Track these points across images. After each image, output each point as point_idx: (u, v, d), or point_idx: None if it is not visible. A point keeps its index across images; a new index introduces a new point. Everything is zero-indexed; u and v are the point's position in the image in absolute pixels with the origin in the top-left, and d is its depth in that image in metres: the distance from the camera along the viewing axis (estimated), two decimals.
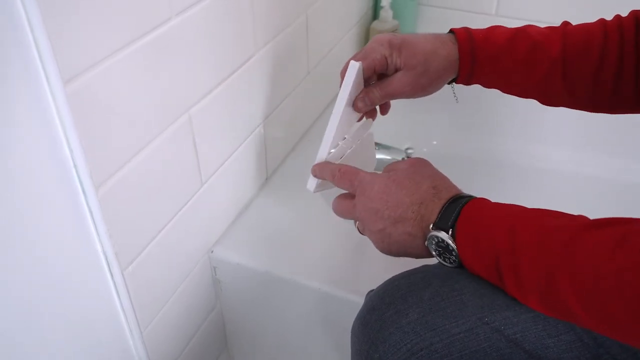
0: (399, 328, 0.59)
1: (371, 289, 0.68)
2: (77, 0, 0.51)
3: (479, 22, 0.80)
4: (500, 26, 0.74)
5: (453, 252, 0.58)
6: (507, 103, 1.32)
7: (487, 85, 0.76)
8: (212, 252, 0.89)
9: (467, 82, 0.75)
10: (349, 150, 0.74)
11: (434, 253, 0.60)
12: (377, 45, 0.71)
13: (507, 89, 0.76)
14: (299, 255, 0.88)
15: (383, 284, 0.66)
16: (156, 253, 0.74)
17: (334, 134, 0.69)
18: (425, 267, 0.64)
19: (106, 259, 0.65)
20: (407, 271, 0.65)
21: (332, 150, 0.71)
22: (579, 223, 0.52)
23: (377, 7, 1.32)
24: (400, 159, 1.07)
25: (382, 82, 0.72)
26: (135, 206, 0.68)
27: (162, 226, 0.74)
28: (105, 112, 0.59)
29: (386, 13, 1.29)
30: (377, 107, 0.77)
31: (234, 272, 0.89)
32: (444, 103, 1.38)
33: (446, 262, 0.60)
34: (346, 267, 0.86)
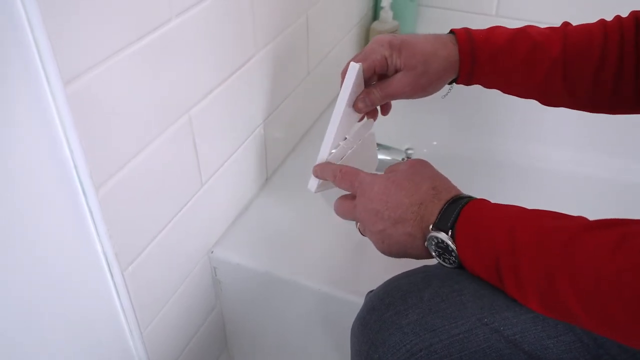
0: (399, 329, 0.59)
1: (371, 289, 0.68)
2: (77, 0, 0.51)
3: (479, 23, 0.80)
4: (501, 27, 0.74)
5: (453, 253, 0.58)
6: (507, 103, 1.32)
7: (488, 85, 0.76)
8: (212, 252, 0.89)
9: (468, 83, 0.75)
10: (350, 151, 0.74)
11: (433, 254, 0.60)
12: (377, 46, 0.71)
13: (508, 90, 0.76)
14: (299, 256, 0.88)
15: (383, 284, 0.66)
16: (156, 253, 0.74)
17: (335, 135, 0.69)
18: (425, 268, 0.64)
19: (106, 259, 0.65)
20: (406, 272, 0.65)
21: (333, 151, 0.71)
22: (579, 224, 0.52)
23: (377, 8, 1.32)
24: (400, 159, 1.07)
25: (383, 82, 0.72)
26: (135, 207, 0.68)
27: (163, 227, 0.74)
28: (106, 113, 0.59)
29: (386, 14, 1.29)
30: (378, 108, 0.77)
31: (234, 272, 0.90)
32: (444, 104, 1.38)
33: (446, 262, 0.60)
34: (346, 267, 0.86)
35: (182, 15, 0.66)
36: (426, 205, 0.60)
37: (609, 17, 0.71)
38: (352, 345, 0.66)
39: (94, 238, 0.63)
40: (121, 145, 0.63)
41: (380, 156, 1.08)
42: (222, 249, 0.89)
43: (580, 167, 1.32)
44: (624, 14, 0.70)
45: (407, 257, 0.64)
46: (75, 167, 0.57)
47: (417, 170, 0.64)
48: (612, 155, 1.31)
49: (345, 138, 0.73)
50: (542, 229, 0.53)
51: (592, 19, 0.72)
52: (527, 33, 0.71)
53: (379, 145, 1.08)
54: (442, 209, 0.59)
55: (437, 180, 0.63)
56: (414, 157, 1.10)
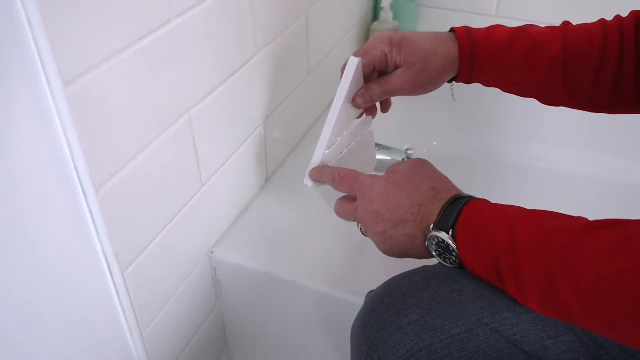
0: (399, 329, 0.59)
1: (371, 289, 0.68)
2: (77, 0, 0.51)
3: (479, 23, 0.80)
4: (501, 25, 0.74)
5: (453, 253, 0.58)
6: (507, 103, 1.32)
7: (488, 84, 0.76)
8: (212, 253, 0.89)
9: (468, 81, 0.75)
10: (348, 148, 0.73)
11: (434, 254, 0.60)
12: (377, 43, 0.71)
13: (508, 88, 0.76)
14: (299, 256, 0.88)
15: (383, 284, 0.66)
16: (156, 254, 0.74)
17: (333, 129, 0.69)
18: (425, 268, 0.64)
19: (106, 259, 0.65)
20: (407, 272, 0.65)
21: (329, 150, 0.70)
22: (579, 224, 0.52)
23: (377, 8, 1.32)
24: (400, 159, 1.07)
25: (382, 79, 0.72)
26: (135, 207, 0.68)
27: (163, 227, 0.74)
28: (106, 113, 0.59)
29: (386, 14, 1.29)
30: (378, 105, 0.77)
31: (234, 272, 0.90)
32: (444, 104, 1.38)
33: (446, 262, 0.60)
34: (346, 267, 0.86)
35: (182, 16, 0.66)
36: (426, 206, 0.60)
37: (609, 17, 0.71)
38: (352, 346, 0.66)
39: (94, 238, 0.63)
40: (121, 145, 0.63)
41: (380, 156, 1.08)
42: (223, 250, 0.89)
43: (580, 167, 1.32)
44: (624, 14, 0.70)
45: (408, 257, 0.64)
46: (76, 167, 0.57)
47: (416, 171, 0.64)
48: (612, 155, 1.31)
49: (344, 134, 0.72)
50: (542, 229, 0.53)
51: (592, 19, 0.72)
52: (527, 32, 0.71)
53: (378, 145, 1.08)
54: (442, 209, 0.59)
55: (437, 180, 0.63)
56: (414, 157, 1.10)
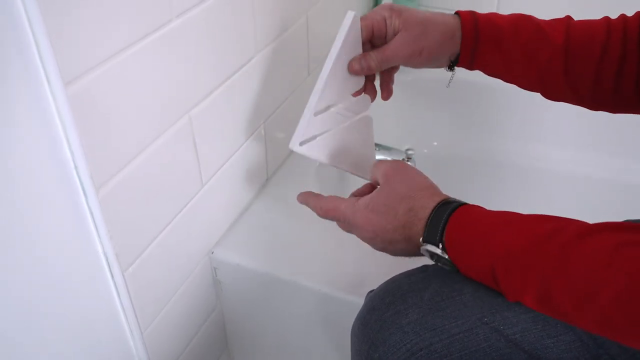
0: (399, 328, 0.59)
1: (371, 289, 0.68)
2: (78, 0, 0.51)
3: None
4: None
5: (448, 261, 0.59)
6: (507, 103, 1.33)
7: (489, 69, 0.74)
8: (212, 253, 0.89)
9: (470, 64, 0.73)
10: (343, 125, 0.72)
11: (432, 261, 0.61)
12: (378, 9, 0.70)
13: (509, 77, 0.74)
14: (299, 256, 0.88)
15: (383, 284, 0.66)
16: (157, 254, 0.74)
17: (323, 89, 0.67)
18: (425, 267, 0.65)
19: (107, 259, 0.65)
20: (407, 271, 0.66)
21: (323, 115, 0.69)
22: (572, 232, 0.52)
23: None
24: (400, 159, 1.06)
25: (380, 47, 0.71)
26: (135, 207, 0.68)
27: (163, 227, 0.74)
28: (106, 113, 0.59)
29: None
30: (378, 88, 0.75)
31: (234, 273, 0.90)
32: (444, 103, 1.39)
33: (445, 267, 0.60)
34: (346, 268, 0.86)
35: (182, 16, 0.66)
36: (410, 226, 0.60)
37: (612, 17, 0.71)
38: (352, 345, 0.66)
39: (95, 238, 0.63)
40: (122, 145, 0.63)
41: (381, 157, 1.08)
42: (223, 250, 0.89)
43: (580, 167, 1.32)
44: (628, 14, 0.70)
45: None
46: (76, 167, 0.57)
47: (391, 189, 0.63)
48: (612, 155, 1.31)
49: (339, 106, 0.70)
50: (533, 236, 0.53)
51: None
52: (531, 18, 0.71)
53: (378, 145, 1.08)
54: (425, 225, 0.59)
55: (412, 199, 0.61)
56: (414, 157, 1.10)
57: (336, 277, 0.85)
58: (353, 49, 0.69)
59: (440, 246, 0.58)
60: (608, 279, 0.47)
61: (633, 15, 0.69)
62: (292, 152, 1.10)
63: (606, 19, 0.70)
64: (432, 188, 0.62)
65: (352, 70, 0.70)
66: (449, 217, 0.58)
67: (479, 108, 1.35)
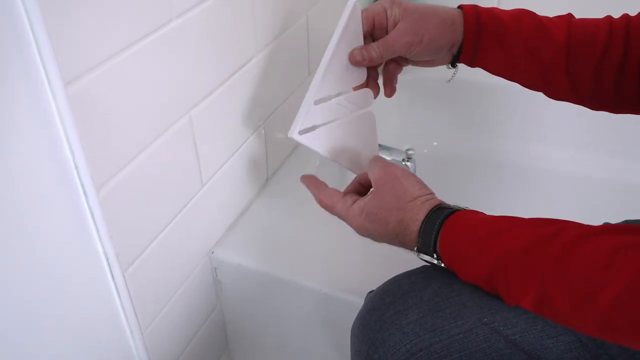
0: (399, 328, 0.59)
1: (371, 289, 0.68)
2: (78, 0, 0.51)
3: None
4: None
5: (445, 269, 0.60)
6: (507, 103, 1.33)
7: (492, 66, 0.73)
8: (212, 253, 0.89)
9: (471, 60, 0.73)
10: (345, 119, 0.72)
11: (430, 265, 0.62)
12: (379, 2, 0.70)
13: (512, 75, 0.74)
14: (299, 256, 0.88)
15: (383, 284, 0.66)
16: (157, 254, 0.74)
17: (323, 76, 0.67)
18: (425, 268, 0.65)
19: (107, 259, 0.65)
20: (407, 272, 0.66)
21: (324, 105, 0.69)
22: (571, 234, 0.52)
23: None
24: (400, 159, 1.06)
25: (382, 38, 0.71)
26: (136, 207, 0.68)
27: (163, 227, 0.75)
28: (106, 113, 0.59)
29: None
30: (380, 84, 0.75)
31: (234, 273, 0.90)
32: (444, 103, 1.39)
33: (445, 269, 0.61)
34: (346, 267, 0.86)
35: (182, 16, 0.66)
36: (402, 236, 0.61)
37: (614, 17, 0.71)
38: (352, 345, 0.66)
39: (95, 238, 0.63)
40: (122, 145, 0.63)
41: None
42: (223, 250, 0.89)
43: (580, 167, 1.32)
44: (630, 14, 0.70)
45: None
46: (76, 167, 0.57)
47: (381, 198, 0.63)
48: (612, 155, 1.31)
49: (340, 97, 0.70)
50: (532, 239, 0.53)
51: None
52: (532, 14, 0.70)
53: (379, 145, 1.08)
54: (418, 236, 0.60)
55: (401, 211, 0.61)
56: (414, 157, 1.10)
57: (336, 277, 0.85)
58: (354, 40, 0.69)
59: (435, 255, 0.59)
60: (608, 279, 0.47)
61: (636, 15, 0.69)
62: (291, 152, 1.11)
63: (608, 18, 0.70)
64: (423, 196, 0.62)
65: (353, 60, 0.70)
66: (441, 224, 0.58)
67: (479, 108, 1.35)
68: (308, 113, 0.68)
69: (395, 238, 0.62)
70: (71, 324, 0.64)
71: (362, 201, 0.64)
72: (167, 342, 0.83)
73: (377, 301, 0.63)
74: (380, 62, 0.71)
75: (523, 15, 0.70)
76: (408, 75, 1.30)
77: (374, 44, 0.70)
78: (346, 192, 0.69)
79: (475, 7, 0.71)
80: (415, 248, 0.60)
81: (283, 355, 1.00)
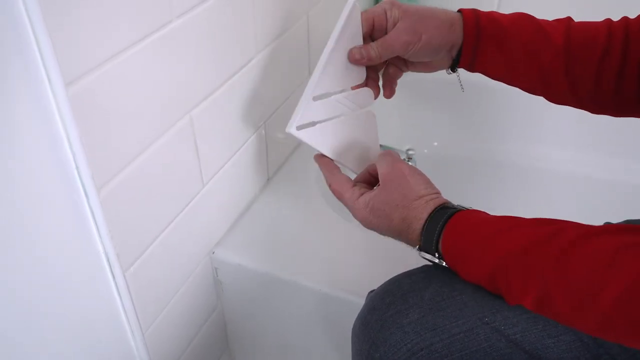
0: (400, 328, 0.59)
1: (372, 289, 0.68)
2: (79, 0, 0.51)
3: None
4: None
5: (447, 268, 0.60)
6: (507, 104, 1.33)
7: (491, 70, 0.73)
8: (213, 253, 0.89)
9: (471, 64, 0.73)
10: (345, 117, 0.72)
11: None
12: (380, 3, 0.71)
13: (511, 79, 0.74)
14: (300, 257, 0.88)
15: (384, 284, 0.66)
16: (158, 254, 0.74)
17: (322, 72, 0.67)
18: (425, 267, 0.65)
19: (108, 260, 0.65)
20: (407, 271, 0.66)
21: (323, 101, 0.69)
22: (572, 235, 0.52)
23: None
24: (400, 160, 1.06)
25: (381, 38, 0.71)
26: (136, 207, 0.68)
27: (164, 227, 0.75)
28: (107, 113, 0.59)
29: None
30: (380, 85, 0.75)
31: (235, 273, 0.90)
32: (444, 104, 1.39)
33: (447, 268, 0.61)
34: (346, 268, 0.86)
35: (182, 16, 0.66)
36: (405, 234, 0.62)
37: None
38: (353, 345, 0.66)
39: (96, 238, 0.63)
40: (122, 145, 0.63)
41: None
42: (224, 250, 0.89)
43: (580, 167, 1.33)
44: (628, 17, 0.70)
45: None
46: (77, 167, 0.57)
47: (387, 194, 0.63)
48: (612, 155, 1.31)
49: (340, 95, 0.70)
50: (533, 239, 0.53)
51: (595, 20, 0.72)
52: (531, 17, 0.71)
53: (380, 146, 1.08)
54: (420, 236, 0.60)
55: (405, 209, 0.62)
56: (414, 157, 1.10)
57: (337, 277, 0.85)
58: (353, 39, 0.69)
59: (437, 255, 0.59)
60: (609, 279, 0.47)
61: (635, 18, 0.69)
62: (292, 152, 1.11)
63: (608, 21, 0.70)
64: (428, 195, 0.62)
65: (352, 59, 0.70)
66: (444, 224, 0.58)
67: (479, 108, 1.35)
68: (306, 109, 0.68)
69: (398, 235, 0.63)
70: (72, 323, 0.64)
71: (369, 195, 0.65)
72: (168, 342, 0.83)
73: (377, 301, 0.63)
74: (378, 61, 0.71)
75: (522, 19, 0.71)
76: (408, 76, 1.29)
77: (372, 44, 0.70)
78: (356, 181, 0.69)
79: (474, 11, 0.71)
80: (418, 247, 0.60)
81: (283, 355, 1.01)
